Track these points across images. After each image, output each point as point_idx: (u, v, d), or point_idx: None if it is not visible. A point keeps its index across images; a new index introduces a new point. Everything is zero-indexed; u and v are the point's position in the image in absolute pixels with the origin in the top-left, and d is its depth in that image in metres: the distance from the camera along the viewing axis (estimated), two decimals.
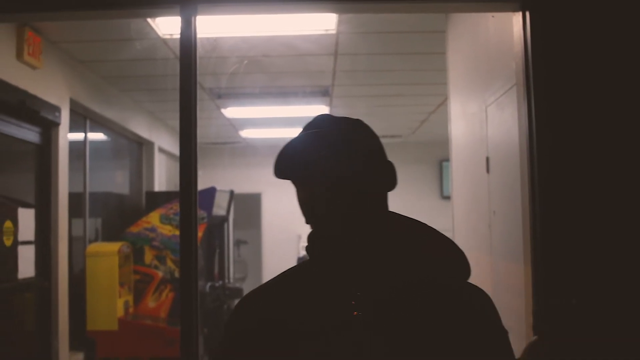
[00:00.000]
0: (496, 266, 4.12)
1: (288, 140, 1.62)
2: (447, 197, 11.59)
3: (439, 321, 1.43)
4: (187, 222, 2.87)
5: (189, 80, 2.91)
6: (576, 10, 2.88)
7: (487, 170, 4.24)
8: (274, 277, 1.62)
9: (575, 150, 2.82)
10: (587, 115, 2.84)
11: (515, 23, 3.00)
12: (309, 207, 1.59)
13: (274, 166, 1.61)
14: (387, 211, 1.62)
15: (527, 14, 2.90)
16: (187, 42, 2.93)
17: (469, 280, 1.55)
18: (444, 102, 8.21)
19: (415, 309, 1.43)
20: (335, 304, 1.45)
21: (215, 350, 1.58)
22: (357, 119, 1.66)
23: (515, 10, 2.99)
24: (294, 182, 1.63)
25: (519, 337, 3.45)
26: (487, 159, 4.23)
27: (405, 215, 1.60)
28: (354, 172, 1.55)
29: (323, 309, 1.45)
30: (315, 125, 1.63)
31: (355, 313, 1.43)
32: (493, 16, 3.89)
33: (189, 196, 2.87)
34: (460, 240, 5.28)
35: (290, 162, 1.60)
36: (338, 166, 1.54)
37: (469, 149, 4.85)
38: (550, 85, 2.85)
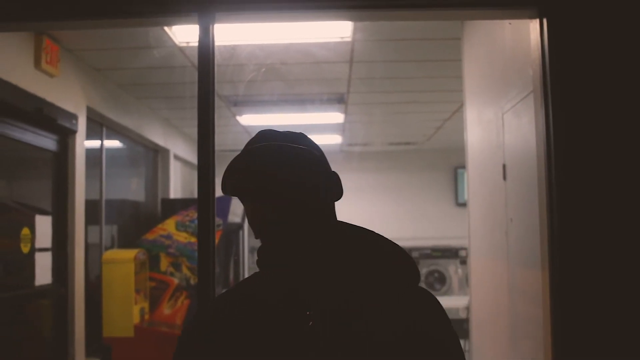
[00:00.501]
0: (513, 273, 4.11)
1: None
2: (462, 204, 11.58)
3: (392, 326, 1.46)
4: (205, 229, 2.88)
5: (207, 89, 2.92)
6: (594, 17, 2.87)
7: (504, 178, 4.23)
8: (225, 292, 1.65)
9: (592, 157, 2.81)
10: (604, 122, 2.83)
11: (533, 30, 3.00)
12: (258, 222, 1.59)
13: (222, 183, 1.61)
14: (336, 221, 1.63)
15: (545, 20, 2.89)
16: (205, 51, 2.95)
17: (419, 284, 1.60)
18: (458, 109, 8.20)
19: (368, 315, 1.46)
20: (289, 315, 1.46)
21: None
22: (301, 132, 1.67)
23: (532, 17, 2.99)
24: (242, 198, 1.62)
25: (536, 343, 3.43)
26: (504, 166, 4.22)
27: (353, 224, 1.62)
28: (301, 184, 1.55)
29: (277, 321, 1.47)
30: (259, 141, 1.62)
31: (310, 323, 1.45)
32: (510, 23, 3.88)
33: (206, 204, 2.88)
34: (477, 247, 5.27)
35: (236, 178, 1.59)
36: (285, 179, 1.54)
37: (485, 156, 4.84)
38: (568, 93, 2.84)
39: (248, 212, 1.62)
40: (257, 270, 1.62)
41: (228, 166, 1.61)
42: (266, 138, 1.63)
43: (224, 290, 1.69)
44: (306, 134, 1.69)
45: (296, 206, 1.54)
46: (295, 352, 1.44)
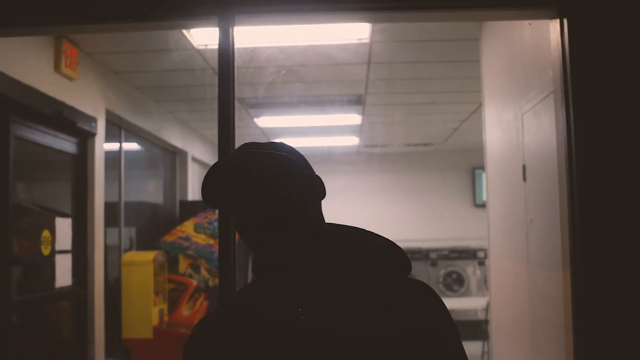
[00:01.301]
0: (533, 274, 4.09)
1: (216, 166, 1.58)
2: (480, 205, 11.54)
3: (389, 318, 1.48)
4: (225, 231, 2.88)
5: (227, 91, 2.92)
6: (615, 17, 2.85)
7: (524, 178, 4.21)
8: (227, 300, 1.67)
9: (614, 157, 2.79)
10: (626, 122, 2.81)
11: (553, 30, 2.98)
12: (244, 232, 1.55)
13: (202, 195, 1.56)
14: (324, 222, 1.62)
15: (565, 21, 2.87)
16: (225, 53, 2.95)
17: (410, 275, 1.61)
18: (476, 110, 8.18)
19: (364, 309, 1.48)
20: (288, 316, 1.50)
21: None
22: (279, 141, 1.64)
23: (552, 17, 2.97)
24: (229, 210, 1.59)
25: (557, 346, 3.41)
26: (524, 167, 4.20)
27: (341, 224, 1.64)
28: (285, 191, 1.52)
29: (277, 323, 1.50)
30: (239, 153, 1.59)
31: (302, 317, 1.48)
32: (530, 24, 3.87)
33: None
34: (496, 249, 5.25)
35: (218, 189, 1.55)
36: (268, 189, 1.51)
37: (505, 156, 4.82)
38: (589, 93, 2.82)
39: (237, 224, 1.57)
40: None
41: (207, 177, 1.55)
42: (242, 151, 1.59)
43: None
44: (284, 142, 1.65)
45: (279, 213, 1.51)
46: (296, 350, 1.47)
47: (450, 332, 1.55)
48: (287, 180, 1.53)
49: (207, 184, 1.54)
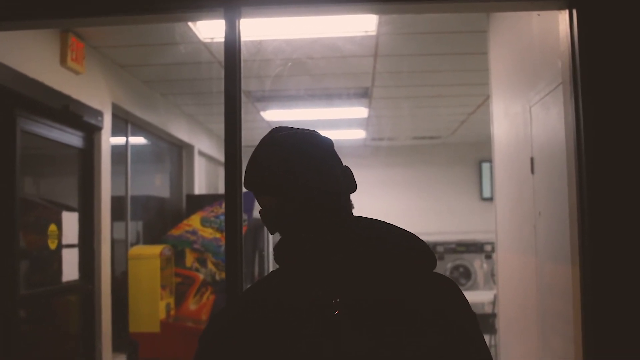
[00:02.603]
0: (541, 268, 4.07)
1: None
2: (487, 199, 11.51)
3: (413, 311, 1.50)
4: (232, 225, 2.87)
5: (233, 84, 2.91)
6: (624, 7, 2.83)
7: (532, 171, 4.19)
8: (246, 291, 1.67)
9: (623, 149, 2.77)
10: (635, 114, 2.78)
11: (562, 21, 2.96)
12: (279, 217, 1.59)
13: (245, 179, 1.63)
14: (353, 215, 1.65)
15: (574, 11, 2.85)
16: (232, 46, 2.94)
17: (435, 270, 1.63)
18: (484, 103, 8.15)
19: (389, 301, 1.49)
20: (314, 307, 1.49)
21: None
22: (312, 130, 1.69)
23: (561, 8, 2.94)
24: (263, 193, 1.63)
25: (566, 339, 3.40)
26: (532, 160, 4.18)
27: (368, 217, 1.65)
28: (323, 177, 1.57)
29: (303, 312, 1.49)
30: (275, 138, 1.64)
31: (336, 312, 1.48)
32: (539, 14, 3.84)
33: (234, 199, 2.87)
34: (504, 242, 5.23)
35: (260, 173, 1.60)
36: (308, 173, 1.55)
37: (513, 149, 4.80)
38: (598, 84, 2.80)
39: (268, 207, 1.62)
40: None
41: (250, 161, 1.63)
42: (282, 134, 1.64)
43: (246, 288, 1.71)
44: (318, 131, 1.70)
45: (317, 198, 1.55)
46: (322, 342, 1.46)
47: (473, 324, 1.59)
48: (330, 170, 1.59)
49: (254, 166, 1.61)
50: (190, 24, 5.15)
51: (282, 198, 1.57)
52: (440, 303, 1.54)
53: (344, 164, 1.68)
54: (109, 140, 6.25)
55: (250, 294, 1.63)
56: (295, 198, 1.55)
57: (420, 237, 1.62)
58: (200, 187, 9.84)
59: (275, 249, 1.63)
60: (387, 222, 1.63)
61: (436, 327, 1.49)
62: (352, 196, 1.67)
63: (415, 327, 1.48)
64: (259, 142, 1.66)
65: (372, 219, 1.65)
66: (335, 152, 1.66)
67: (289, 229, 1.60)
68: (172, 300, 7.24)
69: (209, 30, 5.38)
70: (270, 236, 9.25)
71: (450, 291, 1.60)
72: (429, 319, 1.50)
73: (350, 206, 1.65)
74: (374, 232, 1.60)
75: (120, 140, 7.13)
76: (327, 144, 1.65)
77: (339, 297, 1.49)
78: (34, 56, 4.90)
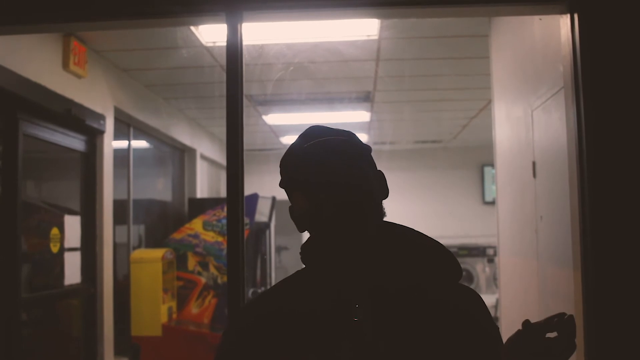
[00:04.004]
0: (543, 271, 4.07)
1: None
2: (489, 203, 11.51)
3: (435, 322, 1.50)
4: (234, 229, 2.87)
5: (235, 88, 2.91)
6: (625, 12, 2.83)
7: (534, 175, 4.19)
8: (273, 287, 1.68)
9: (625, 154, 2.77)
10: (637, 119, 2.78)
11: (563, 25, 2.96)
12: (311, 216, 1.57)
13: (282, 176, 1.62)
14: (383, 220, 1.64)
15: (576, 16, 2.85)
16: (233, 50, 2.94)
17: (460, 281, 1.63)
18: (485, 107, 8.15)
19: (412, 311, 1.50)
20: (339, 309, 1.50)
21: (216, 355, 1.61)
22: (349, 130, 1.67)
23: (562, 12, 2.95)
24: (296, 191, 1.61)
25: None
26: (534, 164, 4.18)
27: (398, 223, 1.65)
28: (358, 179, 1.55)
29: (325, 315, 1.50)
30: (312, 136, 1.62)
31: (355, 319, 1.48)
32: (540, 19, 3.84)
33: (236, 203, 2.88)
34: (506, 246, 5.23)
35: (296, 171, 1.59)
36: (345, 175, 1.54)
37: (514, 153, 4.80)
38: (600, 89, 2.80)
39: (299, 205, 1.60)
40: (286, 268, 1.63)
41: (285, 158, 1.62)
42: (318, 133, 1.62)
43: (261, 290, 1.71)
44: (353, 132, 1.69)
45: (351, 199, 1.53)
46: (341, 346, 1.47)
47: (495, 335, 1.59)
48: (362, 173, 1.57)
49: (290, 165, 1.60)
50: (192, 28, 5.16)
51: (311, 196, 1.55)
52: (464, 317, 1.54)
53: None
54: (111, 144, 6.26)
55: (270, 298, 1.65)
56: (323, 197, 1.53)
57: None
58: (202, 190, 9.84)
59: (302, 248, 1.64)
60: (415, 229, 1.65)
61: (456, 339, 1.49)
62: None
63: (438, 341, 1.48)
64: (297, 138, 1.65)
65: (403, 226, 1.65)
66: (371, 157, 1.65)
67: (317, 229, 1.59)
68: (174, 304, 7.24)
69: (211, 34, 5.39)
70: (273, 240, 9.25)
71: (473, 304, 1.60)
72: (449, 330, 1.50)
73: (382, 211, 1.63)
74: (403, 239, 1.61)
75: (122, 143, 7.14)
76: (362, 147, 1.62)
77: (361, 302, 1.49)
78: (37, 60, 4.91)
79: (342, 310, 1.50)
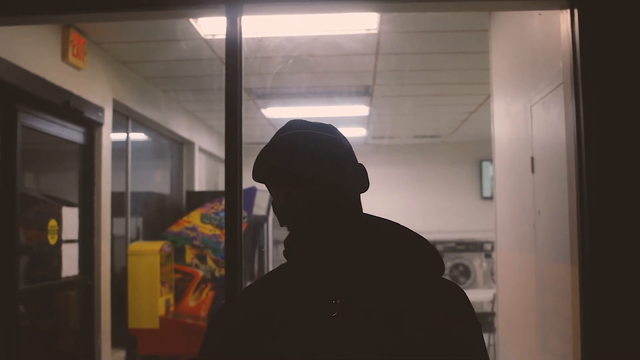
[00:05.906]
0: (541, 267, 4.07)
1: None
2: (487, 198, 11.51)
3: (416, 316, 1.48)
4: (232, 222, 2.87)
5: (234, 81, 2.91)
6: (626, 7, 2.82)
7: (532, 170, 4.19)
8: (255, 281, 1.68)
9: (624, 150, 2.77)
10: (636, 115, 2.78)
11: (563, 21, 2.96)
12: (288, 210, 1.56)
13: (254, 169, 1.59)
14: (363, 213, 1.63)
15: (576, 11, 2.85)
16: (233, 43, 2.94)
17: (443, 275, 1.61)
18: (485, 102, 8.15)
19: (394, 305, 1.48)
20: (317, 304, 1.50)
21: (202, 350, 1.61)
22: (330, 124, 1.65)
23: (562, 7, 2.94)
24: (273, 185, 1.59)
25: (565, 339, 3.40)
26: (532, 159, 4.18)
27: (379, 216, 1.64)
28: (332, 171, 1.53)
29: (305, 310, 1.50)
30: (290, 129, 1.61)
31: (334, 314, 1.48)
32: (540, 14, 3.84)
33: (234, 196, 2.88)
34: (503, 241, 5.23)
35: (270, 164, 1.56)
36: (320, 168, 1.52)
37: (513, 148, 4.80)
38: (599, 84, 2.80)
39: (277, 199, 1.59)
40: (283, 261, 1.63)
41: (261, 152, 1.59)
42: (297, 126, 1.61)
43: (248, 284, 1.71)
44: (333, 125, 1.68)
45: (326, 194, 1.52)
46: (322, 340, 1.46)
47: (477, 331, 1.57)
48: (339, 164, 1.55)
49: (265, 155, 1.56)
50: (191, 20, 5.15)
51: (288, 188, 1.54)
52: (445, 313, 1.51)
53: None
54: (110, 136, 6.25)
55: (253, 290, 1.65)
56: (300, 193, 1.52)
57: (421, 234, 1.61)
58: (200, 183, 9.84)
59: (284, 243, 1.63)
60: (397, 223, 1.62)
61: (438, 340, 1.48)
62: None
63: (417, 337, 1.46)
64: (275, 132, 1.63)
65: (383, 218, 1.63)
66: (350, 149, 1.63)
67: (295, 223, 1.58)
68: (171, 297, 7.25)
69: (211, 27, 5.38)
70: (270, 233, 9.26)
71: (455, 300, 1.57)
72: (431, 329, 1.48)
73: (359, 205, 1.62)
74: (383, 232, 1.60)
75: (120, 136, 7.13)
76: (342, 143, 1.61)
77: (340, 297, 1.49)
78: (36, 51, 4.90)
79: (320, 306, 1.49)
